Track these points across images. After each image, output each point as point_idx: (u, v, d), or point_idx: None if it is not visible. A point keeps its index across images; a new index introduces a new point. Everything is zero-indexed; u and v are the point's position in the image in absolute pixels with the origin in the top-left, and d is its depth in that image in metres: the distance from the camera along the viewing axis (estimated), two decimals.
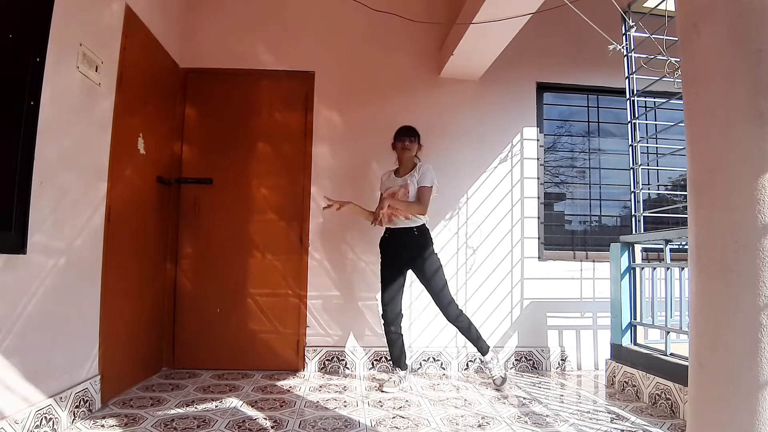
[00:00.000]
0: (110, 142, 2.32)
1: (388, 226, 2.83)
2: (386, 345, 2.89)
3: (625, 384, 2.76)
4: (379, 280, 2.86)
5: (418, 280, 2.82)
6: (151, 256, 2.89)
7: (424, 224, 2.80)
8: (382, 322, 2.84)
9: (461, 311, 2.77)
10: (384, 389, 2.70)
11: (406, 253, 2.77)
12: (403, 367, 2.83)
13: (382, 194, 2.92)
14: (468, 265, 3.33)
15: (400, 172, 2.90)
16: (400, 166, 2.92)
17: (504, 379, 2.79)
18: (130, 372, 2.64)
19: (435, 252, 2.81)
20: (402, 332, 2.84)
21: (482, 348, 2.80)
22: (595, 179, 3.62)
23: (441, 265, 2.79)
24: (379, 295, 3.22)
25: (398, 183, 2.84)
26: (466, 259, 3.34)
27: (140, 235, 2.73)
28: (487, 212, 3.39)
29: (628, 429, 2.16)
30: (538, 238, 3.42)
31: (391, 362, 2.92)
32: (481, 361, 2.89)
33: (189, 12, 3.28)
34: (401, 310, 2.83)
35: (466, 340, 2.83)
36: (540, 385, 2.91)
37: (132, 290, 2.64)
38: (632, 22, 2.99)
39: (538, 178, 3.46)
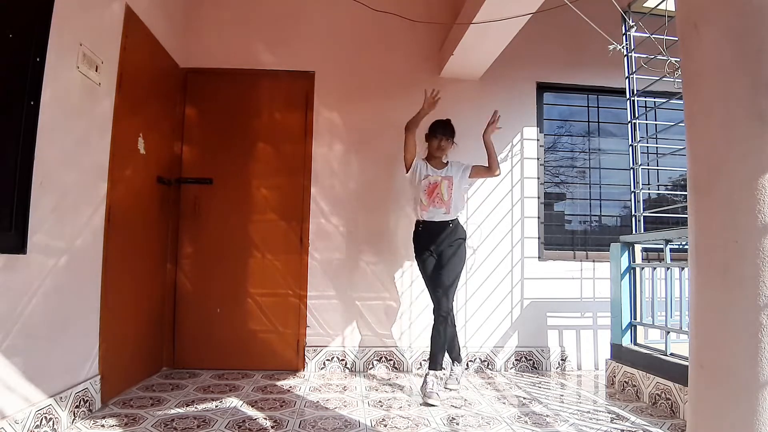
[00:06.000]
0: (110, 142, 2.32)
1: (425, 219, 2.73)
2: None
3: (625, 384, 2.76)
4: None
5: (435, 269, 2.72)
6: (151, 256, 2.89)
7: (457, 218, 2.78)
8: (440, 319, 2.64)
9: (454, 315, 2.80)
10: (449, 386, 2.74)
11: (442, 241, 2.71)
12: (459, 358, 2.87)
13: (417, 179, 2.81)
14: (468, 265, 3.33)
15: (432, 162, 2.82)
16: (430, 158, 2.84)
17: (431, 396, 2.47)
18: (130, 372, 2.64)
19: (465, 243, 2.79)
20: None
21: (438, 362, 2.62)
22: (595, 179, 3.62)
23: (465, 258, 2.79)
24: (380, 295, 3.23)
25: (440, 174, 2.78)
26: (466, 259, 3.33)
27: (140, 235, 2.73)
28: (487, 212, 3.39)
29: (628, 429, 2.16)
30: (538, 238, 3.42)
31: (450, 360, 2.84)
32: (451, 370, 2.82)
33: (189, 12, 3.28)
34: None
35: (444, 343, 2.65)
36: (540, 385, 2.91)
37: (132, 290, 2.64)
38: (632, 22, 2.99)
39: (538, 178, 3.46)
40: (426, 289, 2.82)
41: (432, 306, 2.73)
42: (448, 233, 2.72)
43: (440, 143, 2.77)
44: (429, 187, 2.76)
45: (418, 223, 2.80)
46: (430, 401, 2.44)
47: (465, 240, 2.78)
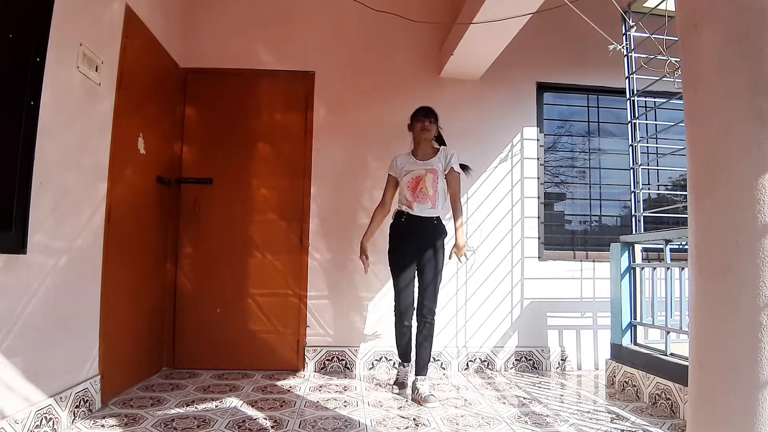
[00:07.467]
0: (110, 142, 2.32)
1: (410, 212, 2.62)
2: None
3: (625, 384, 2.76)
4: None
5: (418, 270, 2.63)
6: (151, 256, 2.89)
7: (439, 216, 2.66)
8: (394, 314, 2.70)
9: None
10: (394, 392, 2.65)
11: (424, 240, 2.60)
12: (408, 360, 2.73)
13: (392, 177, 2.74)
14: (468, 265, 3.33)
15: (419, 154, 2.70)
16: (417, 148, 2.72)
17: (435, 398, 2.48)
18: (130, 372, 2.64)
19: (444, 246, 2.66)
20: (412, 324, 2.68)
21: (427, 365, 2.59)
22: (595, 179, 3.62)
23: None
24: (379, 295, 3.24)
25: (422, 167, 2.65)
26: (466, 259, 3.33)
27: (140, 235, 2.73)
28: (487, 212, 3.39)
29: (628, 429, 2.16)
30: (538, 238, 3.42)
31: (396, 360, 2.85)
32: (416, 379, 2.56)
33: (189, 12, 3.28)
34: (414, 301, 2.65)
35: (420, 347, 2.58)
36: (540, 385, 2.91)
37: (132, 290, 2.64)
38: (632, 22, 2.99)
39: (538, 178, 3.46)
40: (394, 288, 2.68)
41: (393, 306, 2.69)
42: (430, 231, 2.61)
43: (424, 125, 2.65)
44: (412, 182, 2.63)
45: (400, 213, 2.66)
46: (429, 404, 2.42)
47: (445, 239, 2.65)
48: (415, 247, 2.61)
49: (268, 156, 3.26)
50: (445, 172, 2.67)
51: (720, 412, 1.00)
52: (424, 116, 2.68)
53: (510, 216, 3.41)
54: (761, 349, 0.93)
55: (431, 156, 2.69)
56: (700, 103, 1.08)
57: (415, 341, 2.65)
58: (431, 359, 2.71)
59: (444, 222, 2.69)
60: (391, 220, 2.74)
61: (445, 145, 2.79)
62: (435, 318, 2.62)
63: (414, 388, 2.56)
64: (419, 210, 2.62)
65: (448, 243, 2.68)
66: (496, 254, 3.37)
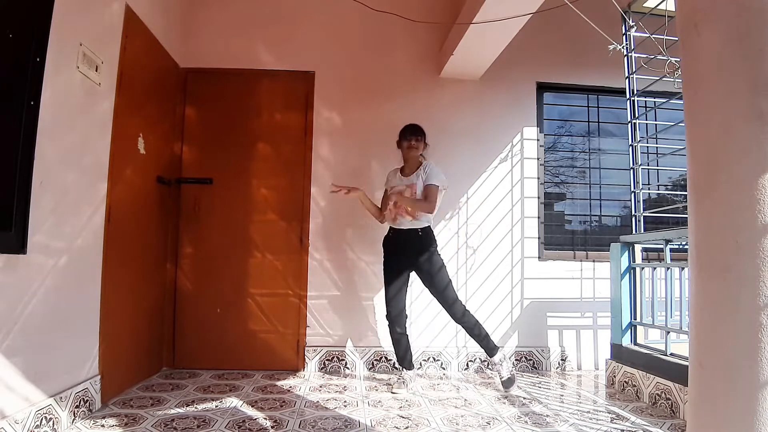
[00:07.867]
0: (110, 142, 2.32)
1: (393, 226, 2.81)
2: (389, 345, 2.90)
3: (625, 384, 2.76)
4: (382, 279, 2.85)
5: (420, 280, 2.79)
6: (151, 256, 2.89)
7: (429, 226, 2.78)
8: (387, 321, 2.81)
9: (466, 309, 2.76)
10: (393, 391, 2.67)
11: (409, 253, 2.74)
12: (409, 366, 2.79)
13: (386, 191, 2.91)
14: (468, 265, 3.33)
15: (405, 171, 2.85)
16: (405, 164, 2.88)
17: (512, 381, 2.72)
18: (130, 372, 2.64)
19: (437, 252, 2.77)
20: (407, 332, 2.81)
21: (490, 348, 2.76)
22: (595, 179, 3.62)
23: (443, 264, 2.76)
24: (379, 295, 3.24)
25: (404, 182, 2.80)
26: (466, 259, 3.33)
27: (140, 235, 2.73)
28: (487, 212, 3.39)
29: (628, 429, 2.16)
30: (538, 238, 3.42)
31: (396, 362, 2.91)
32: (489, 363, 2.81)
33: (189, 12, 3.28)
34: (405, 308, 2.79)
35: (472, 339, 2.80)
36: (540, 385, 2.91)
37: (132, 290, 2.64)
38: (632, 22, 2.99)
39: (538, 178, 3.46)
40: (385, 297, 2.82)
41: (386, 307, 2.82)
42: (416, 244, 2.73)
43: (410, 144, 2.80)
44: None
45: (389, 228, 2.86)
46: (510, 390, 2.69)
47: (436, 248, 2.76)
48: (405, 260, 2.77)
49: (268, 156, 3.26)
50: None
51: (720, 412, 1.00)
52: (411, 135, 2.81)
53: (510, 216, 3.41)
54: (761, 349, 0.93)
55: (415, 170, 2.82)
56: (700, 103, 1.08)
57: (470, 338, 2.84)
58: (487, 339, 2.79)
59: (432, 229, 2.81)
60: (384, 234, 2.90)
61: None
62: (468, 317, 2.75)
63: (494, 370, 2.82)
64: (400, 223, 2.77)
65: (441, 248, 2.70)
66: (496, 254, 3.36)
